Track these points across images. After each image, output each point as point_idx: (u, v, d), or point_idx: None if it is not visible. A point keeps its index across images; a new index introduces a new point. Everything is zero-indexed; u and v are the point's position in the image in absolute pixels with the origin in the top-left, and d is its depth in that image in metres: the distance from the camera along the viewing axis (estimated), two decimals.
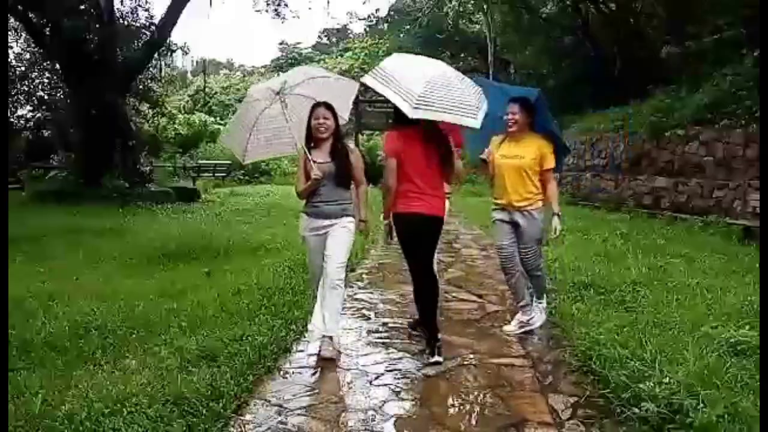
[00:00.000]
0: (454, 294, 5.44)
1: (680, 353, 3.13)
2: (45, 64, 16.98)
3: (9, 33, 15.47)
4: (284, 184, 20.05)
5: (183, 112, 30.25)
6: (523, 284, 4.20)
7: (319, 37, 56.42)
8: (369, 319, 4.63)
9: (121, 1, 15.84)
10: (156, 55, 16.65)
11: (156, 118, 18.70)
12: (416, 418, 2.87)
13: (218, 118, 33.53)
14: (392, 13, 29.97)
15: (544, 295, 4.39)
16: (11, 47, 16.66)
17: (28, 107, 18.97)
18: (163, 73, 19.25)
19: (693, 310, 4.03)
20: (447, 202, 4.67)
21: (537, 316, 4.23)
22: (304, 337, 3.99)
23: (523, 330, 4.16)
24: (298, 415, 2.86)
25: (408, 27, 26.61)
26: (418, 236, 3.67)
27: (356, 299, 5.13)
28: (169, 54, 18.20)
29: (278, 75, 4.30)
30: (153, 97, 17.37)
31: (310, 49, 53.34)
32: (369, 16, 34.05)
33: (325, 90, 3.99)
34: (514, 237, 4.10)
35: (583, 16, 18.06)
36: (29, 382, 3.00)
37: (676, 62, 13.13)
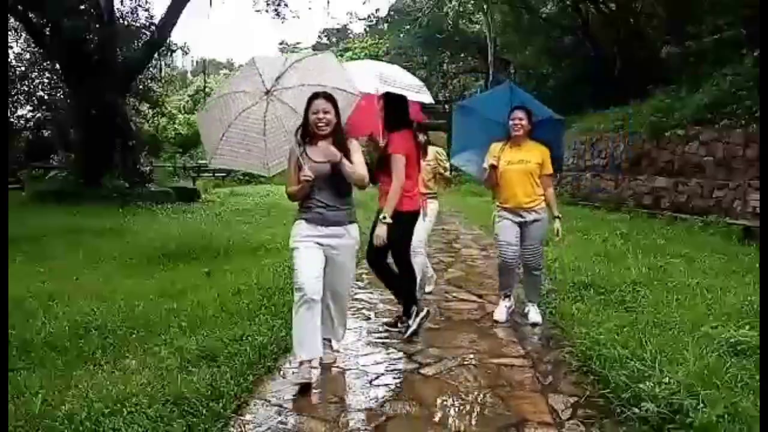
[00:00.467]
0: (454, 294, 5.45)
1: (680, 353, 3.13)
2: (45, 64, 17.00)
3: (9, 33, 15.48)
4: (284, 185, 20.02)
5: (183, 112, 30.24)
6: (516, 279, 4.59)
7: (319, 37, 56.34)
8: (369, 319, 4.63)
9: (121, 1, 15.89)
10: (156, 55, 16.67)
11: (156, 118, 18.73)
12: (416, 418, 2.87)
13: None
14: (392, 13, 29.97)
15: (538, 298, 4.58)
16: (11, 47, 16.68)
17: (28, 107, 19.00)
18: (163, 73, 19.27)
19: (693, 310, 4.03)
20: (436, 203, 4.98)
21: (534, 314, 4.41)
22: None
23: (510, 311, 4.52)
24: (298, 415, 2.86)
25: (408, 27, 26.62)
26: (412, 231, 4.07)
27: (356, 299, 5.13)
28: (169, 54, 18.22)
29: (285, 57, 3.68)
30: (153, 97, 17.39)
31: (310, 49, 53.37)
32: (369, 16, 34.09)
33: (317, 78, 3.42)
34: (519, 236, 4.33)
35: (583, 16, 18.07)
36: (29, 382, 3.00)
37: (676, 62, 13.14)
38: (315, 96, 3.22)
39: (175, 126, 27.47)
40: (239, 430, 2.70)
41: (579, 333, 3.75)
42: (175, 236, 7.51)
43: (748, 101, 8.67)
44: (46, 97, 18.24)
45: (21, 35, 16.92)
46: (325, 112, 3.20)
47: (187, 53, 21.15)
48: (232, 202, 14.61)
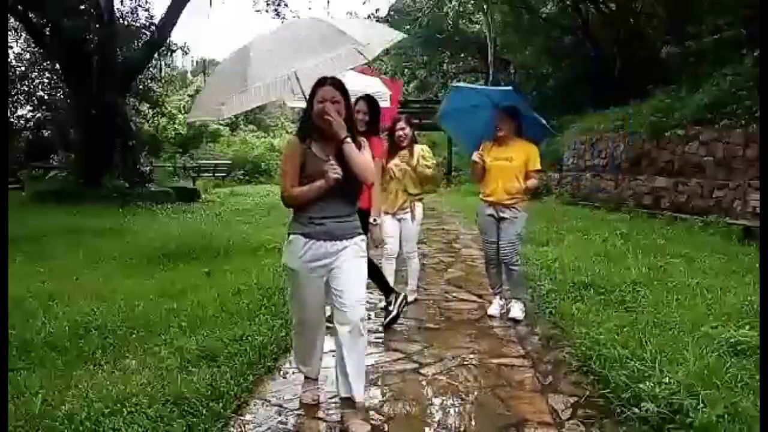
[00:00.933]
0: (454, 294, 5.45)
1: (680, 353, 3.13)
2: (45, 64, 17.01)
3: (9, 33, 15.48)
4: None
5: (183, 112, 30.25)
6: (500, 274, 4.75)
7: None
8: (369, 319, 4.63)
9: (121, 1, 15.88)
10: (156, 55, 16.67)
11: (156, 118, 18.73)
12: (416, 418, 2.87)
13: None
14: (392, 13, 29.95)
15: (522, 294, 4.70)
16: (11, 47, 16.68)
17: (28, 107, 19.01)
18: (163, 73, 19.26)
19: (693, 310, 4.03)
20: (421, 205, 5.08)
21: (517, 311, 4.52)
22: None
23: (503, 308, 4.66)
24: (298, 415, 2.86)
25: (408, 27, 26.59)
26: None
27: None
28: (169, 54, 18.22)
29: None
30: (153, 97, 17.40)
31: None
32: (369, 16, 34.07)
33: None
34: (497, 233, 4.54)
35: (583, 16, 18.06)
36: (29, 382, 3.00)
37: (676, 62, 13.12)
38: (321, 82, 2.66)
39: (175, 126, 27.43)
40: (239, 430, 2.70)
41: (579, 333, 3.75)
42: (175, 236, 7.51)
43: (748, 101, 8.66)
44: (46, 97, 18.24)
45: (21, 35, 16.93)
46: (334, 102, 2.62)
47: (187, 53, 21.14)
48: (232, 202, 14.61)
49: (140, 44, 15.79)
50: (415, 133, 5.03)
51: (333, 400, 3.05)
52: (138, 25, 16.28)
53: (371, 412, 2.90)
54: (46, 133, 21.18)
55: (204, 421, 2.63)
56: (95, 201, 12.34)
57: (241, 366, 3.23)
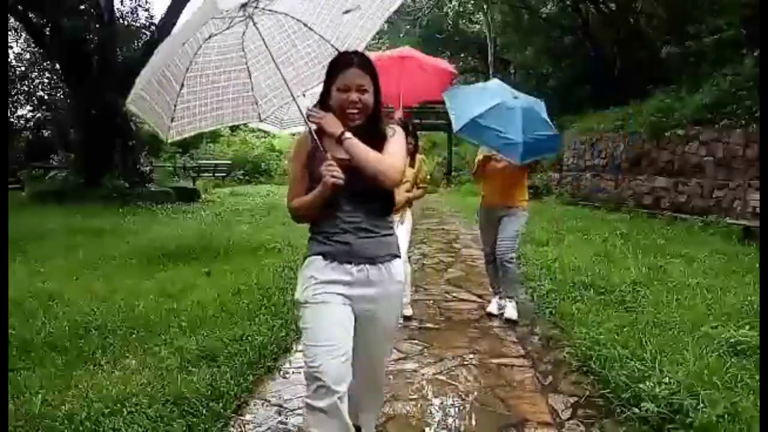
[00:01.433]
0: (454, 294, 5.45)
1: (680, 353, 3.13)
2: (45, 64, 17.01)
3: (9, 33, 15.48)
4: (283, 184, 20.03)
5: None
6: (496, 273, 4.70)
7: None
8: None
9: (121, 1, 15.86)
10: None
11: None
12: (416, 418, 2.87)
13: None
14: (392, 13, 29.98)
15: (516, 293, 4.66)
16: (11, 47, 16.68)
17: (28, 107, 19.01)
18: None
19: (693, 310, 4.03)
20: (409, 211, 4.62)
21: (511, 310, 4.49)
22: None
23: (501, 310, 4.61)
24: (298, 415, 2.86)
25: (408, 27, 26.59)
26: None
27: None
28: None
29: None
30: None
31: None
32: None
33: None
34: (496, 233, 4.55)
35: (583, 16, 18.05)
36: (29, 382, 3.00)
37: (676, 62, 13.13)
38: (345, 62, 1.99)
39: None
40: (239, 430, 2.70)
41: (579, 333, 3.75)
42: (175, 236, 7.51)
43: (748, 101, 8.67)
44: (46, 97, 18.25)
45: (21, 35, 16.93)
46: (361, 89, 1.97)
47: None
48: (232, 202, 14.60)
49: (140, 44, 15.78)
50: (417, 137, 4.63)
51: None
52: (138, 25, 16.28)
53: None
54: (46, 133, 21.19)
55: (204, 421, 2.63)
56: (95, 201, 12.33)
57: (241, 366, 3.23)
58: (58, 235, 8.04)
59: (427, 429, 2.76)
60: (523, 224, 4.61)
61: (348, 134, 1.95)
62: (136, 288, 5.08)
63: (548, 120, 4.20)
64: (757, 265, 5.41)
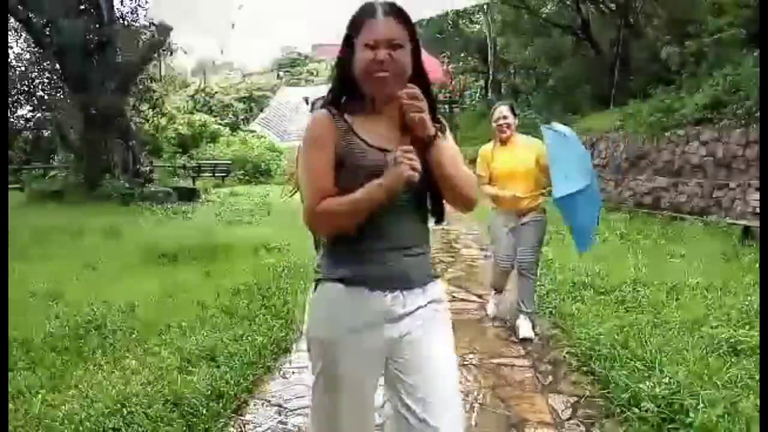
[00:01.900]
0: (454, 294, 5.44)
1: (680, 353, 3.13)
2: (45, 64, 16.98)
3: (9, 33, 15.48)
4: (283, 184, 20.00)
5: (183, 112, 30.26)
6: (507, 278, 4.41)
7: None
8: None
9: (121, 1, 15.86)
10: (156, 55, 16.66)
11: (156, 118, 18.71)
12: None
13: (218, 118, 33.56)
14: None
15: (531, 308, 4.11)
16: (11, 47, 16.67)
17: (28, 107, 18.97)
18: (163, 73, 19.25)
19: (693, 310, 4.03)
20: None
21: (527, 328, 3.99)
22: (305, 337, 4.00)
23: (498, 305, 4.53)
24: (298, 415, 2.86)
25: None
26: None
27: None
28: (169, 54, 18.21)
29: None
30: (153, 97, 17.39)
31: (310, 49, 53.36)
32: None
33: None
34: (513, 245, 4.09)
35: (583, 16, 18.06)
36: (29, 382, 3.00)
37: (676, 62, 13.12)
38: (369, 11, 1.48)
39: (175, 126, 27.43)
40: (239, 430, 2.70)
41: (579, 333, 3.75)
42: (175, 236, 7.51)
43: (748, 101, 8.67)
44: (46, 97, 18.21)
45: (21, 35, 16.91)
46: (393, 46, 1.45)
47: (186, 53, 21.15)
48: (232, 202, 14.60)
49: (140, 44, 15.78)
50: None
51: None
52: (138, 25, 16.28)
53: None
54: (46, 133, 21.18)
55: (204, 421, 2.63)
56: (95, 201, 12.35)
57: (241, 366, 3.23)
58: (58, 235, 8.05)
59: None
60: (544, 230, 4.09)
61: (436, 133, 1.47)
62: (136, 288, 5.08)
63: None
64: (757, 265, 5.41)
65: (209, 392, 2.87)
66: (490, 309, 4.63)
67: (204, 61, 43.89)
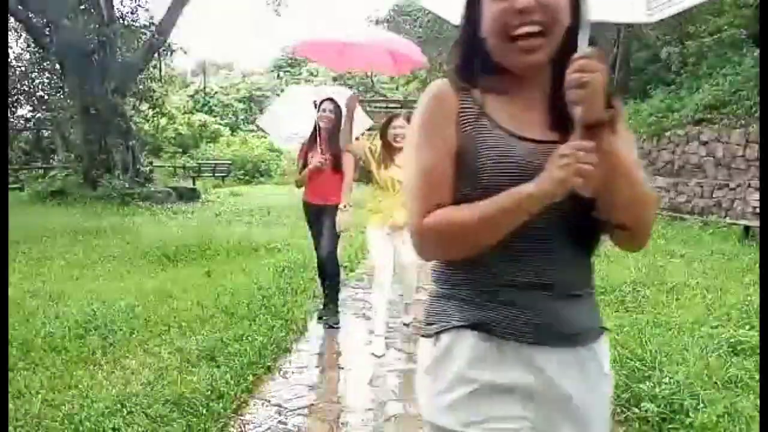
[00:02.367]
0: None
1: (680, 353, 3.13)
2: (45, 64, 16.99)
3: (9, 33, 15.48)
4: (283, 184, 20.03)
5: (183, 112, 30.28)
6: None
7: None
8: (369, 319, 4.62)
9: (121, 1, 15.85)
10: (156, 55, 16.66)
11: (156, 118, 18.71)
12: (416, 418, 2.87)
13: (218, 118, 33.57)
14: (392, 13, 30.00)
15: None
16: (11, 47, 16.68)
17: (28, 107, 19.00)
18: (163, 73, 19.25)
19: (693, 310, 4.03)
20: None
21: None
22: (304, 337, 4.01)
23: None
24: (298, 415, 2.86)
25: (408, 27, 26.62)
26: None
27: (356, 299, 5.13)
28: (169, 54, 18.22)
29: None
30: (153, 97, 17.39)
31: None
32: (369, 16, 34.09)
33: None
34: None
35: None
36: (29, 382, 3.00)
37: (676, 62, 13.13)
38: None
39: (175, 126, 27.44)
40: (239, 430, 2.70)
41: None
42: (175, 236, 7.52)
43: (748, 101, 8.68)
44: (46, 97, 18.23)
45: (21, 35, 16.92)
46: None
47: (186, 53, 21.19)
48: (232, 202, 14.60)
49: (140, 44, 15.78)
50: None
51: (333, 400, 3.05)
52: (138, 25, 16.27)
53: (371, 412, 2.90)
54: (46, 133, 21.20)
55: (204, 421, 2.63)
56: (95, 201, 12.35)
57: (241, 366, 3.23)
58: (58, 235, 8.05)
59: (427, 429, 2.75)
60: None
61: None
62: (136, 288, 5.08)
63: None
64: (757, 265, 5.41)
65: (209, 392, 2.87)
66: None
67: (204, 61, 43.83)
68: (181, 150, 27.10)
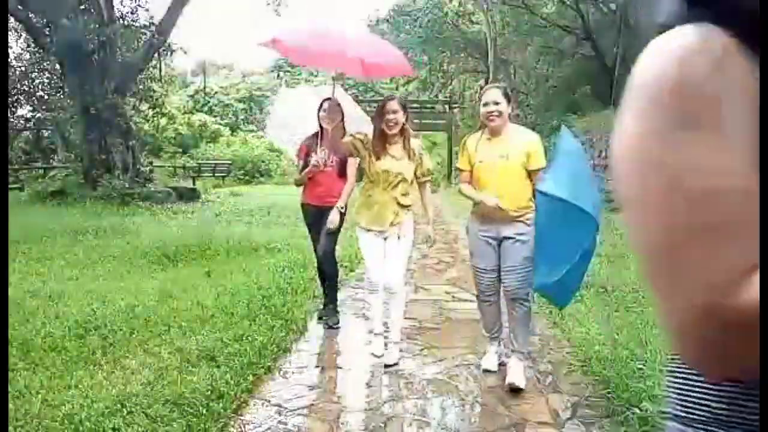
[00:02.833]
0: (454, 294, 5.44)
1: None
2: (45, 64, 17.00)
3: (9, 33, 15.49)
4: (283, 184, 20.03)
5: (183, 112, 30.29)
6: (500, 314, 3.45)
7: None
8: (369, 319, 4.63)
9: (121, 1, 15.86)
10: (156, 55, 16.67)
11: (156, 118, 18.72)
12: (416, 418, 2.87)
13: (218, 118, 33.58)
14: (392, 13, 30.01)
15: (526, 346, 3.35)
16: (11, 47, 16.69)
17: (28, 107, 19.01)
18: (163, 73, 19.26)
19: None
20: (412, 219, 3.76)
21: (518, 373, 3.16)
22: (304, 337, 4.01)
23: (501, 360, 3.46)
24: (298, 415, 2.86)
25: (408, 27, 26.61)
26: None
27: (356, 299, 5.13)
28: (169, 54, 18.22)
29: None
30: (153, 97, 17.40)
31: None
32: (368, 16, 34.10)
33: None
34: (497, 258, 3.23)
35: (583, 16, 18.07)
36: (29, 382, 3.00)
37: None
38: None
39: (175, 126, 27.46)
40: (239, 430, 2.70)
41: (579, 333, 3.75)
42: (175, 236, 7.52)
43: None
44: (46, 97, 18.24)
45: (21, 35, 16.92)
46: None
47: (186, 53, 21.21)
48: (232, 202, 14.60)
49: (140, 44, 15.79)
50: (412, 127, 3.64)
51: (333, 400, 3.05)
52: (138, 25, 16.28)
53: (371, 412, 2.90)
54: (46, 133, 21.21)
55: (204, 421, 2.63)
56: (95, 201, 12.35)
57: (241, 366, 3.23)
58: (58, 235, 8.05)
59: (427, 429, 2.76)
60: (532, 246, 3.09)
61: None
62: (136, 288, 5.09)
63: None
64: None
65: (209, 392, 2.87)
66: (487, 362, 3.44)
67: (204, 61, 43.84)
68: (181, 150, 27.10)
